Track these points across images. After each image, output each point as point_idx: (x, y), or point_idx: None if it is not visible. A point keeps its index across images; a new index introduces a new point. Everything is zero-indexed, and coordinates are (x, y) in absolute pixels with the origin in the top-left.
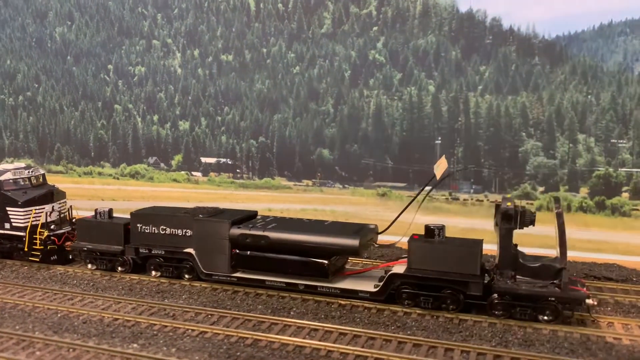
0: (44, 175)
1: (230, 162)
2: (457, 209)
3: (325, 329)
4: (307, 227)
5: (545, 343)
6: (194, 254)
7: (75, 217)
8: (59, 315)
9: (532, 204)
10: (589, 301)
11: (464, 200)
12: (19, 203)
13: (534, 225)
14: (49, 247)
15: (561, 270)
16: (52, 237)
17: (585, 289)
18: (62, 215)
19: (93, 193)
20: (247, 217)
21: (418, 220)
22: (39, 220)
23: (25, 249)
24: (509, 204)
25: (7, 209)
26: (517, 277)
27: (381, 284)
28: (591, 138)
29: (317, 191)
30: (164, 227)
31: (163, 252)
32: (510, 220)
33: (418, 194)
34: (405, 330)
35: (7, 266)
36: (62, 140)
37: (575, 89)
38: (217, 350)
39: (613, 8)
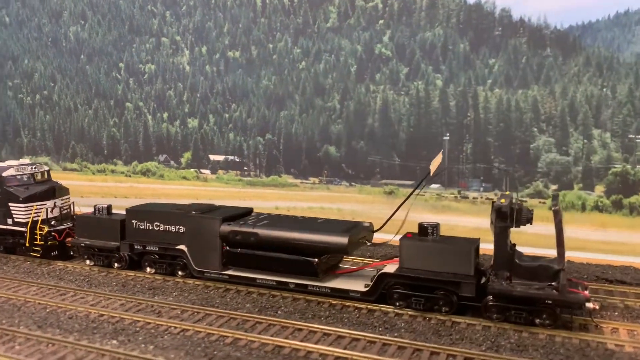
0: (48, 171)
1: (237, 160)
2: (466, 208)
3: (310, 329)
4: (297, 225)
5: (539, 348)
6: (186, 251)
7: (76, 214)
8: (47, 310)
9: (544, 202)
10: (589, 305)
11: (474, 198)
12: (20, 199)
13: (531, 223)
14: (49, 243)
15: (559, 271)
16: (53, 233)
17: (586, 292)
18: (63, 212)
19: (106, 190)
20: (240, 215)
21: (427, 219)
22: (40, 216)
23: (27, 245)
24: (502, 200)
25: (10, 204)
26: (513, 278)
27: (371, 283)
28: (607, 133)
29: (324, 189)
30: (158, 224)
31: (157, 249)
32: (505, 218)
33: (412, 192)
34: (393, 332)
35: (11, 261)
36: (77, 138)
37: (590, 81)
38: (195, 348)
39: None
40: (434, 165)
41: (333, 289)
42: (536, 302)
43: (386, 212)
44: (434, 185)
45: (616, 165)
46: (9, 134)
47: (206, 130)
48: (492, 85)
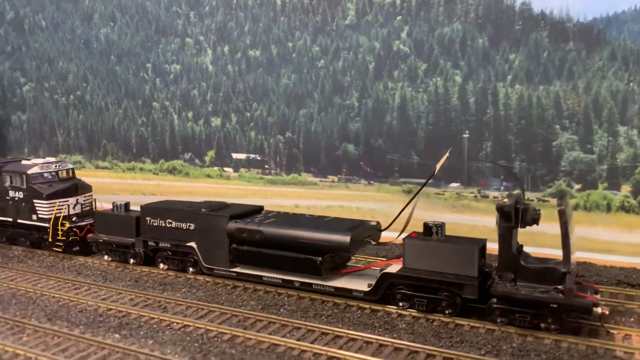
0: (72, 169)
1: (259, 158)
2: (486, 207)
3: (308, 327)
4: (303, 223)
5: (542, 354)
6: (196, 248)
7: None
8: (59, 303)
9: None
10: (597, 310)
11: (494, 197)
12: (44, 195)
13: (537, 224)
14: (70, 239)
15: (565, 274)
16: (74, 229)
17: (596, 296)
18: (85, 208)
19: (135, 188)
20: (249, 212)
21: (446, 218)
22: (62, 212)
23: (50, 240)
24: (505, 200)
25: (34, 201)
26: (518, 280)
27: (374, 283)
28: (634, 130)
29: (343, 187)
30: (170, 221)
31: (169, 245)
32: (509, 218)
33: (418, 191)
34: (392, 333)
35: (36, 256)
36: (108, 137)
37: (615, 76)
38: (192, 344)
39: None
40: (440, 164)
41: (337, 288)
42: (541, 305)
43: (405, 212)
44: (453, 184)
45: None
46: (46, 134)
47: (229, 129)
48: (512, 81)
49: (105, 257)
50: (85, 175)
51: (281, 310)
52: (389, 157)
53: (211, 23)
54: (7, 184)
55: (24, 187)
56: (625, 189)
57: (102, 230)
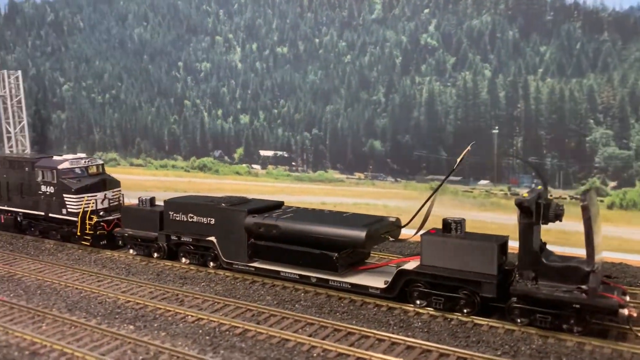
0: (102, 165)
1: (286, 155)
2: None
3: (321, 324)
4: (319, 218)
5: (562, 356)
6: (216, 242)
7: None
8: (81, 295)
9: (601, 200)
10: (624, 311)
11: (525, 195)
12: (73, 190)
13: (560, 220)
14: (98, 232)
15: (589, 273)
16: (102, 223)
17: (624, 298)
18: (113, 203)
19: (168, 185)
20: (268, 207)
21: (475, 216)
22: (90, 206)
23: (78, 234)
24: (525, 195)
25: (64, 195)
26: (539, 279)
27: (390, 280)
28: None
29: (369, 184)
30: (192, 215)
31: (190, 240)
32: (529, 213)
33: (438, 187)
34: (407, 332)
35: (66, 249)
36: (141, 134)
37: None
38: (203, 337)
39: None
40: (460, 159)
41: (353, 285)
42: (562, 305)
43: (431, 209)
44: (482, 182)
45: None
46: (84, 132)
47: (256, 126)
48: (543, 74)
49: (131, 250)
50: (119, 172)
51: (296, 305)
52: (417, 153)
53: (240, 21)
54: (40, 178)
55: (55, 181)
56: None
57: (128, 224)
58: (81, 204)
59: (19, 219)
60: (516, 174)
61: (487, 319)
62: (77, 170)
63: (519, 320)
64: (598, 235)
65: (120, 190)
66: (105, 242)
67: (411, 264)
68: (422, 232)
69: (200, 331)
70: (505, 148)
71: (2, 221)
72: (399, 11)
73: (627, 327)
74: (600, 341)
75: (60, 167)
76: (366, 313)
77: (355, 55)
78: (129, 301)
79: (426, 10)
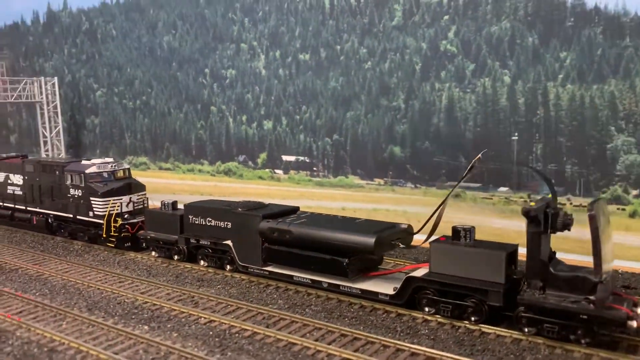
0: (128, 169)
1: (307, 160)
2: None
3: (329, 328)
4: (332, 224)
5: None
6: (232, 246)
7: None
8: (102, 295)
9: (623, 209)
10: (632, 323)
11: (532, 204)
12: (99, 193)
13: (569, 229)
14: (122, 235)
15: (597, 284)
16: (127, 226)
17: (637, 309)
18: (138, 207)
19: (194, 189)
20: (284, 213)
21: (494, 223)
22: (115, 209)
23: (104, 236)
24: (532, 203)
25: (91, 198)
26: (547, 288)
27: (399, 287)
28: None
29: (389, 190)
30: (210, 219)
31: (209, 243)
32: (536, 222)
33: (449, 194)
34: (413, 338)
35: (92, 250)
36: (170, 139)
37: None
38: (213, 339)
39: None
40: (470, 166)
41: (363, 291)
42: (570, 316)
43: (451, 216)
44: (502, 189)
45: None
46: (116, 136)
47: (279, 132)
48: (563, 80)
49: (153, 253)
50: (149, 176)
51: (307, 310)
52: (436, 159)
53: (264, 28)
54: (69, 182)
55: (82, 185)
56: None
57: (151, 227)
58: (107, 207)
59: (49, 220)
60: (536, 181)
61: (495, 328)
62: (104, 174)
63: (526, 330)
64: (607, 246)
65: (145, 194)
66: (129, 244)
67: (420, 271)
68: (432, 238)
69: (211, 333)
70: (523, 155)
71: (35, 222)
72: (418, 18)
73: (638, 339)
74: (609, 353)
75: (87, 171)
76: (375, 319)
77: (375, 61)
78: (146, 302)
79: (446, 17)
